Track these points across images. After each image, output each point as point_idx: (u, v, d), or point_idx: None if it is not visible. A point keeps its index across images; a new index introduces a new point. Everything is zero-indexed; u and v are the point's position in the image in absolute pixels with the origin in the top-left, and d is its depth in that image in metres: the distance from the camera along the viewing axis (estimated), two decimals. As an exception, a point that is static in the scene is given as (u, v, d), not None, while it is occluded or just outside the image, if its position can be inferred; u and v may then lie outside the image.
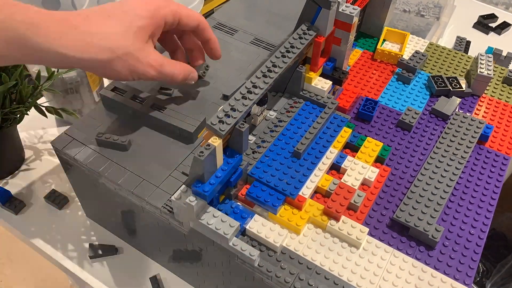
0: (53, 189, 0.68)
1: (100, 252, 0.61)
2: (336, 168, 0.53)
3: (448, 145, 0.56)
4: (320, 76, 0.61)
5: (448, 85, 0.63)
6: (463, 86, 0.63)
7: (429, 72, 0.67)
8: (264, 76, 0.50)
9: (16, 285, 1.41)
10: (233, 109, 0.46)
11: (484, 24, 1.05)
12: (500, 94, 0.65)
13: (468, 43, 0.98)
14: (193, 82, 0.55)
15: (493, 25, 1.06)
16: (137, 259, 0.62)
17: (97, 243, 0.62)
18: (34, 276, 1.43)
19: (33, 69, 0.69)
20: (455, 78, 0.64)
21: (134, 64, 0.47)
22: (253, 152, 0.52)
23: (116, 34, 0.45)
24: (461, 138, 0.56)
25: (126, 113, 0.56)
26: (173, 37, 0.56)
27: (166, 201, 0.48)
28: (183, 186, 0.45)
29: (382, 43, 0.71)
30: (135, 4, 0.48)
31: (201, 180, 0.43)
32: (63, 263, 0.61)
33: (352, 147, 0.56)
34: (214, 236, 0.45)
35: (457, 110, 0.61)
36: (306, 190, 0.49)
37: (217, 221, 0.44)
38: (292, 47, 0.54)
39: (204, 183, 0.43)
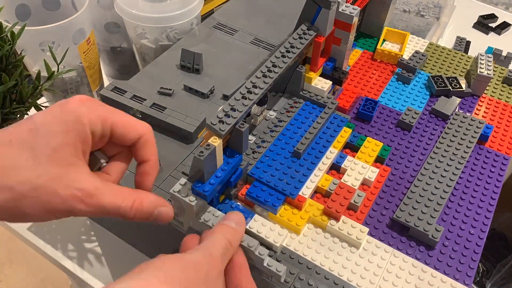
0: (53, 189, 0.68)
1: None
2: (336, 168, 0.53)
3: (448, 145, 0.56)
4: (320, 76, 0.61)
5: (448, 85, 0.63)
6: (463, 86, 0.63)
7: (429, 72, 0.67)
8: (264, 76, 0.50)
9: (16, 285, 1.41)
10: (233, 109, 0.46)
11: (484, 24, 1.05)
12: (500, 94, 0.65)
13: (468, 43, 0.98)
14: (165, 221, 0.39)
15: (493, 25, 1.06)
16: (136, 258, 0.62)
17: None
18: (34, 276, 1.43)
19: (33, 69, 0.69)
20: (455, 78, 0.64)
21: (49, 199, 0.33)
22: (253, 152, 0.52)
23: (17, 166, 0.33)
24: (461, 138, 0.56)
25: (126, 113, 0.56)
26: (111, 146, 0.40)
27: (166, 201, 0.48)
28: (182, 179, 0.44)
29: (382, 43, 0.71)
30: (47, 118, 0.35)
31: (201, 180, 0.43)
32: (63, 263, 0.61)
33: (352, 147, 0.56)
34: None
35: (457, 110, 0.61)
36: (306, 190, 0.49)
37: (216, 220, 0.44)
38: (292, 47, 0.54)
39: (204, 183, 0.43)
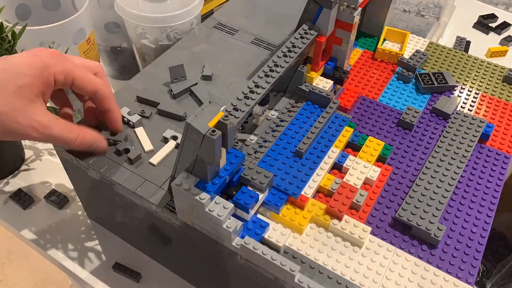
0: (53, 189, 0.67)
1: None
2: (338, 168, 0.53)
3: (449, 144, 0.56)
4: (321, 76, 0.61)
5: (434, 80, 0.63)
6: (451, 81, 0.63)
7: (430, 71, 0.67)
8: (266, 75, 0.50)
9: (16, 285, 1.41)
10: (235, 109, 0.46)
11: (484, 24, 1.05)
12: (500, 93, 0.65)
13: (468, 43, 0.98)
14: (101, 152, 0.51)
15: (493, 25, 1.06)
16: (136, 258, 0.61)
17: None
18: (34, 276, 1.42)
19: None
20: (441, 73, 0.64)
21: (10, 125, 0.43)
22: (255, 152, 0.52)
23: None
24: (462, 137, 0.57)
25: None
26: (62, 94, 0.52)
27: (168, 201, 0.48)
28: (184, 172, 0.44)
29: (383, 42, 0.71)
30: (19, 61, 0.44)
31: (204, 180, 0.43)
32: (63, 263, 0.61)
33: (353, 147, 0.56)
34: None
35: (458, 109, 0.61)
36: (309, 190, 0.49)
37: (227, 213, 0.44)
38: (293, 46, 0.54)
39: (207, 183, 0.43)
